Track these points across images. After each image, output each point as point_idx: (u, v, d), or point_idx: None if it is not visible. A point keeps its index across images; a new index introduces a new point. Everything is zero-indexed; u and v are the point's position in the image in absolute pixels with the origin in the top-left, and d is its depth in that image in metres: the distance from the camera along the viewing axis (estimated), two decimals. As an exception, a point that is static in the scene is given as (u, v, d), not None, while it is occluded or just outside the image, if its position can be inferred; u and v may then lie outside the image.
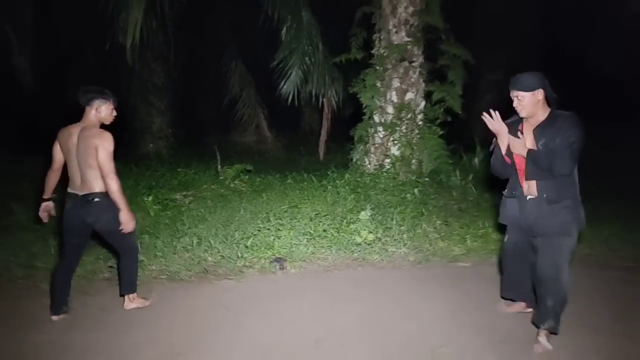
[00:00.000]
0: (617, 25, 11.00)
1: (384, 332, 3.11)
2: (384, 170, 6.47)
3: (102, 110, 3.18)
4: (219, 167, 6.99)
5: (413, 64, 6.59)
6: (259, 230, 4.79)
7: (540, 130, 2.79)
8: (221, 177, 6.75)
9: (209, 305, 3.49)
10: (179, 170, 7.00)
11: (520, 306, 3.36)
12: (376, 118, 6.68)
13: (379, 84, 6.63)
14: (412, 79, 6.56)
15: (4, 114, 8.28)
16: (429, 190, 6.15)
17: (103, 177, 3.07)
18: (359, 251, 4.47)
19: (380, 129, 6.58)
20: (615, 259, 4.53)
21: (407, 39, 6.53)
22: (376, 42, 6.80)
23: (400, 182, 6.18)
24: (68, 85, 9.61)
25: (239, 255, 4.27)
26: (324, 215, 5.23)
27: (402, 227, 4.90)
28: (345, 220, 5.04)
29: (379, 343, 2.98)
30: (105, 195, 3.10)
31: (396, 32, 6.57)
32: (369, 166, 6.72)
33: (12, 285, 3.88)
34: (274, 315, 3.34)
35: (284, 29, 7.45)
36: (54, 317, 3.28)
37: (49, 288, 3.38)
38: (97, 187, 3.10)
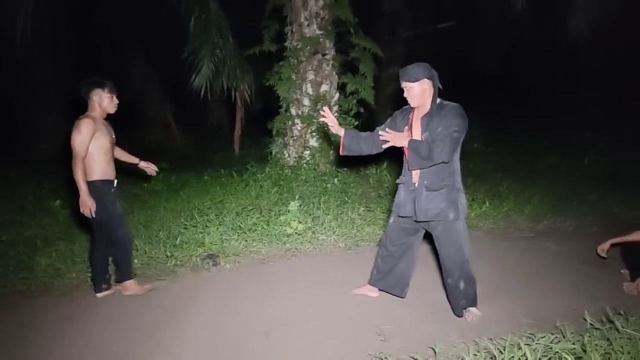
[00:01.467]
0: (500, 26, 12.15)
1: (327, 316, 3.17)
2: (303, 161, 6.54)
3: (104, 100, 3.27)
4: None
5: (326, 57, 6.72)
6: (185, 228, 4.62)
7: (426, 120, 2.90)
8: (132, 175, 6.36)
9: (144, 309, 3.30)
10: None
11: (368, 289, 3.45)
12: (293, 111, 6.72)
13: (294, 77, 6.67)
14: (326, 71, 6.69)
15: None
16: (348, 179, 6.35)
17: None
18: (291, 242, 4.50)
19: (297, 121, 6.64)
20: (516, 231, 5.05)
21: (319, 32, 6.64)
22: (288, 34, 6.82)
23: (320, 173, 6.29)
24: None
25: (168, 254, 4.09)
26: (250, 210, 5.18)
27: (328, 216, 5.02)
28: (273, 213, 5.04)
29: (323, 327, 3.03)
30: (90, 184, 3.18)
31: (308, 25, 6.65)
32: (288, 159, 6.75)
33: None
34: (215, 312, 3.26)
35: (192, 20, 7.18)
36: (99, 295, 3.45)
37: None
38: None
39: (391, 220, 3.25)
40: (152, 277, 3.82)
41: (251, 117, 9.30)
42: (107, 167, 3.33)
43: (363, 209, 5.38)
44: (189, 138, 10.42)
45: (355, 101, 6.72)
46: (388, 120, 3.18)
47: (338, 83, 6.83)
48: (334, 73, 6.80)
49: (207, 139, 10.75)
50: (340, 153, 3.20)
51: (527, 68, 12.72)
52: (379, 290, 3.43)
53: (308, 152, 6.56)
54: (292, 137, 6.73)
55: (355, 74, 6.79)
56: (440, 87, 2.98)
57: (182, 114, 10.56)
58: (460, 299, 3.07)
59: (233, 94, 8.23)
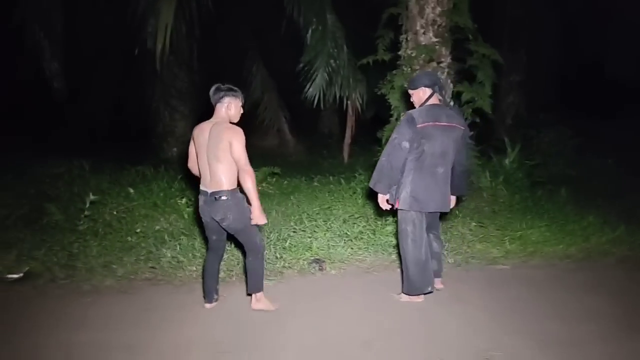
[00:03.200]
0: (633, 31, 10.88)
1: (431, 334, 3.06)
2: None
3: (232, 108, 3.17)
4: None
5: (441, 65, 6.52)
6: (294, 232, 4.77)
7: None
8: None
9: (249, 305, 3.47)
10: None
11: None
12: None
13: (406, 85, 6.58)
14: (441, 80, 6.49)
15: (38, 117, 8.33)
16: (460, 192, 6.08)
17: (239, 171, 3.05)
18: (397, 253, 4.42)
19: (408, 130, 6.52)
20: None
21: (435, 39, 6.47)
22: (403, 43, 6.74)
23: (430, 184, 6.11)
24: (94, 91, 9.78)
25: (278, 256, 4.26)
26: (357, 217, 5.21)
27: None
28: (379, 222, 5.01)
29: (427, 345, 2.94)
30: (233, 192, 3.10)
31: (424, 33, 6.52)
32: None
33: (54, 286, 3.89)
34: (319, 316, 3.32)
35: (309, 31, 7.45)
36: (207, 305, 3.42)
37: (202, 279, 3.51)
38: (226, 184, 3.08)
39: (415, 219, 3.39)
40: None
41: (361, 125, 9.38)
42: None
43: (475, 224, 5.12)
44: (301, 144, 10.77)
45: (470, 110, 6.44)
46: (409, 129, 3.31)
47: (453, 92, 6.61)
48: (449, 81, 6.58)
49: (318, 146, 11.02)
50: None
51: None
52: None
53: (418, 162, 6.41)
54: (402, 146, 6.63)
55: (472, 82, 6.52)
56: (442, 96, 3.36)
57: (296, 121, 10.97)
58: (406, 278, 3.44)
59: (345, 102, 8.40)
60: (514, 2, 10.53)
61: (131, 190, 5.61)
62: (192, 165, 3.37)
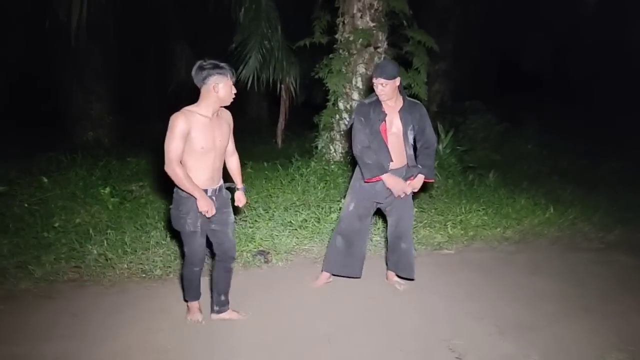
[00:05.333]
0: (552, 23, 11.63)
1: (391, 325, 2.99)
2: (350, 157, 6.34)
3: (219, 89, 2.59)
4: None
5: (378, 50, 6.48)
6: (234, 222, 4.47)
7: (404, 113, 3.18)
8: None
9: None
10: (129, 160, 6.44)
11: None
12: (341, 104, 6.52)
13: (344, 70, 6.46)
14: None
15: None
16: (397, 177, 6.11)
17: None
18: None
19: (345, 115, 6.43)
20: (584, 241, 4.70)
21: (372, 23, 6.40)
22: (340, 26, 6.59)
23: (369, 170, 6.07)
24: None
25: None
26: (299, 205, 5.03)
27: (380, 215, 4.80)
28: (322, 210, 4.86)
29: (389, 337, 2.86)
30: (175, 190, 2.75)
31: (361, 17, 6.42)
32: (334, 154, 6.58)
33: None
34: (272, 313, 3.11)
35: (242, 10, 7.06)
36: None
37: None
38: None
39: (351, 207, 3.36)
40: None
41: (292, 110, 9.16)
42: None
43: (416, 209, 5.13)
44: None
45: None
46: (359, 117, 3.24)
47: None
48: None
49: (247, 130, 10.64)
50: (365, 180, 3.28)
51: (581, 67, 12.12)
52: (333, 275, 3.56)
53: (356, 147, 6.34)
54: (340, 131, 6.54)
55: (408, 68, 6.53)
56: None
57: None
58: (413, 262, 3.44)
59: (278, 86, 8.11)
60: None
61: (45, 180, 4.99)
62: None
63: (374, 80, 3.12)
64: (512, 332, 2.89)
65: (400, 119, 3.19)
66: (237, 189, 3.07)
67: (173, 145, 2.61)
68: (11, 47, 8.14)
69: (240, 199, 3.07)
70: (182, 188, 2.68)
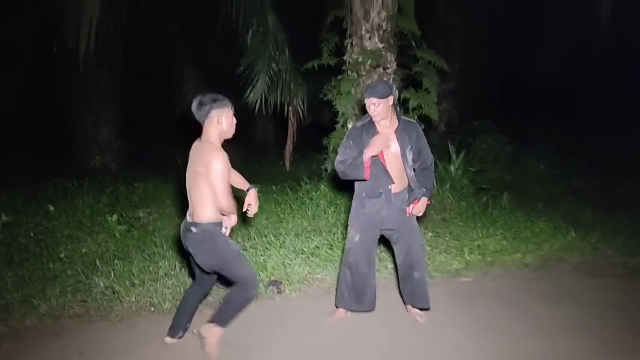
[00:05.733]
0: (560, 37, 11.54)
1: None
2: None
3: (222, 121, 2.63)
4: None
5: (387, 71, 6.41)
6: (245, 249, 4.36)
7: (400, 133, 3.11)
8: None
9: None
10: (136, 185, 6.36)
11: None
12: (350, 126, 6.42)
13: (353, 91, 6.39)
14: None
15: None
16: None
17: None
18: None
19: (355, 137, 6.32)
20: (608, 266, 4.51)
21: (380, 44, 6.35)
22: (348, 47, 6.55)
23: (379, 193, 5.94)
24: (1, 93, 8.67)
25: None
26: (310, 231, 4.90)
27: (394, 241, 4.65)
28: (334, 235, 4.73)
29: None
30: (205, 226, 2.65)
31: (369, 38, 6.37)
32: (344, 176, 6.45)
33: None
34: (288, 351, 2.95)
35: (250, 33, 7.04)
36: (168, 339, 2.96)
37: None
38: (200, 215, 2.64)
39: (357, 238, 3.24)
40: (213, 305, 3.54)
41: (299, 131, 9.09)
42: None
43: (431, 234, 5.00)
44: (237, 152, 10.23)
45: (416, 117, 6.36)
46: (349, 139, 3.18)
47: (399, 98, 6.50)
48: (395, 88, 6.47)
49: (255, 154, 10.58)
50: (366, 178, 3.11)
51: (591, 82, 12.00)
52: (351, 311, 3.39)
53: (366, 170, 6.23)
54: (350, 154, 6.42)
55: (418, 88, 6.45)
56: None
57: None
58: (427, 291, 3.30)
59: (286, 108, 8.05)
60: (448, 9, 10.78)
61: (51, 207, 4.90)
62: None
63: (366, 101, 3.06)
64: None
65: (397, 139, 3.11)
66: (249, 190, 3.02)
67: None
68: (19, 72, 8.16)
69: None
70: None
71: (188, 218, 2.73)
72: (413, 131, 3.16)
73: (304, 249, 4.38)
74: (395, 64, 6.50)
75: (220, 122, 2.62)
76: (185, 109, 8.92)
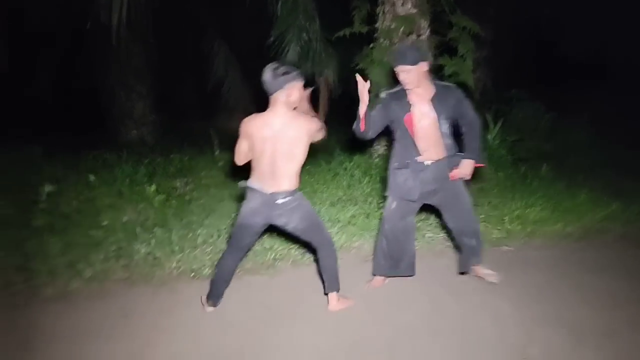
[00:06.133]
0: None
1: (457, 331, 2.79)
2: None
3: (293, 94, 2.67)
4: (217, 151, 6.48)
5: (420, 37, 6.23)
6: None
7: (436, 102, 2.97)
8: (220, 163, 6.25)
9: (243, 306, 3.08)
10: (172, 156, 6.45)
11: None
12: (383, 95, 6.30)
13: (386, 59, 6.24)
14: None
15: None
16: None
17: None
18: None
19: (389, 107, 6.21)
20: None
21: (413, 10, 6.16)
22: (380, 14, 6.39)
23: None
24: (39, 70, 8.86)
25: (267, 246, 3.85)
26: (346, 201, 4.88)
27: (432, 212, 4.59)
28: (370, 205, 4.69)
29: (461, 345, 2.66)
30: (295, 192, 2.73)
31: (402, 4, 6.19)
32: (377, 147, 6.38)
33: (8, 293, 3.32)
34: (324, 316, 2.97)
35: (280, 2, 6.93)
36: (209, 308, 3.01)
37: (212, 279, 3.03)
38: (290, 184, 2.71)
39: (393, 206, 3.18)
40: (251, 271, 3.60)
41: (331, 103, 8.99)
42: None
43: (469, 203, 4.89)
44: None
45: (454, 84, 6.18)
46: (377, 107, 3.14)
47: (434, 65, 6.32)
48: (430, 55, 6.29)
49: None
50: (362, 129, 3.09)
51: (629, 53, 11.41)
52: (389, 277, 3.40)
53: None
54: (383, 124, 6.32)
55: (453, 56, 6.25)
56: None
57: (259, 101, 10.44)
58: (472, 255, 3.31)
59: (316, 79, 7.96)
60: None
61: (91, 177, 5.02)
62: (242, 161, 2.89)
63: (395, 69, 2.96)
64: (590, 339, 2.64)
65: (434, 107, 2.98)
66: None
67: None
68: (54, 49, 8.30)
69: None
70: None
71: (269, 190, 2.69)
72: (451, 98, 3.02)
73: (340, 218, 4.36)
74: (428, 30, 6.31)
75: (291, 94, 2.64)
76: (217, 83, 8.99)
